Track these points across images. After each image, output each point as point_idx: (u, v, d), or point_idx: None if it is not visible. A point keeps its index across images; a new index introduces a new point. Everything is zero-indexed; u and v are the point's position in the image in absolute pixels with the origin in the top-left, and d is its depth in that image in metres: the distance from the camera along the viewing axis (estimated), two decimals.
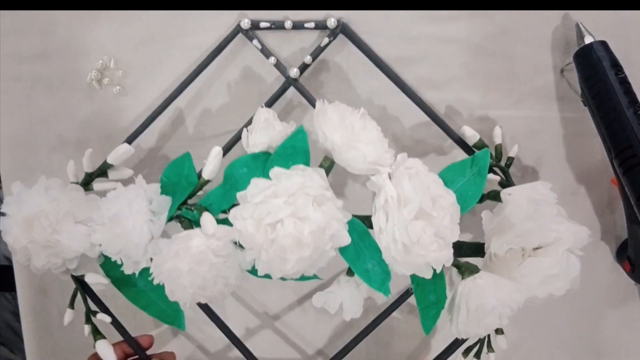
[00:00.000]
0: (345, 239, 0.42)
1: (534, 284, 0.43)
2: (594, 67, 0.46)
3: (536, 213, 0.43)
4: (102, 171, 0.49)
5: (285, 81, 0.50)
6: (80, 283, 0.50)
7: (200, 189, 0.46)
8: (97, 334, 0.50)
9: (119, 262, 0.45)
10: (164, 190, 0.46)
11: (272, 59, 0.50)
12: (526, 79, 0.51)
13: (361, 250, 0.44)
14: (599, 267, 0.55)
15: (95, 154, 0.53)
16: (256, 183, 0.41)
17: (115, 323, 0.50)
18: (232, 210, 0.42)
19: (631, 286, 0.56)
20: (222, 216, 0.45)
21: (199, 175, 0.46)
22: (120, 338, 0.50)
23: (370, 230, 0.44)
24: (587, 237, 0.44)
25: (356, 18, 0.50)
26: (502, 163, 0.50)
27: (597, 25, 0.47)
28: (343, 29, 0.49)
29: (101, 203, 0.45)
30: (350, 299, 0.48)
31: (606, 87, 0.45)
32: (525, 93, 0.52)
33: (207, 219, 0.44)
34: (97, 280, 0.49)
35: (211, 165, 0.45)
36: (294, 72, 0.50)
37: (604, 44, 0.47)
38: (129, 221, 0.43)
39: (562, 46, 0.50)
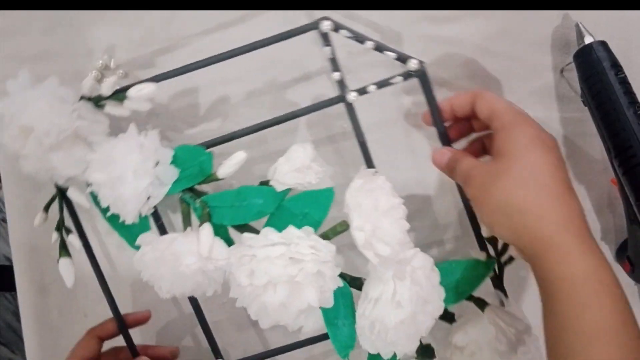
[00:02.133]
0: (329, 304, 0.43)
1: None
2: (594, 67, 0.46)
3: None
4: (119, 99, 0.45)
5: (338, 98, 0.46)
6: (62, 192, 0.47)
7: (208, 182, 0.45)
8: (63, 249, 0.48)
9: (103, 206, 0.44)
10: (173, 162, 0.45)
11: (337, 75, 0.45)
12: (526, 79, 0.51)
13: (338, 305, 0.44)
14: None
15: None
16: (266, 235, 0.42)
17: (87, 249, 0.49)
18: (233, 249, 0.43)
19: (631, 286, 0.56)
20: None
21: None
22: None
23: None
24: None
25: (356, 18, 0.50)
26: (502, 259, 0.48)
27: (597, 25, 0.47)
28: (421, 75, 0.45)
29: (109, 144, 0.43)
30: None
31: (606, 87, 0.45)
32: (525, 93, 0.52)
33: (206, 234, 0.43)
34: (79, 199, 0.46)
35: (230, 168, 0.44)
36: (351, 96, 0.45)
37: (604, 44, 0.47)
38: (129, 186, 0.42)
39: (562, 46, 0.50)
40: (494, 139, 0.41)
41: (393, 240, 0.42)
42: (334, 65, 0.45)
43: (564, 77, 0.51)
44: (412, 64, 0.44)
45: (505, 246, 0.48)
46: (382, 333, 0.42)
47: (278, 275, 0.40)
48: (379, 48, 0.44)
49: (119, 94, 0.45)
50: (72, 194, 0.46)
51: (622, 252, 0.53)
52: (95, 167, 0.43)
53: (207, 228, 0.43)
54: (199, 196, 0.45)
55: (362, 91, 0.46)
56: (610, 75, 0.45)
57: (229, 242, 0.45)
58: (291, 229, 0.43)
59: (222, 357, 0.50)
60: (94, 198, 0.45)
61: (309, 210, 0.45)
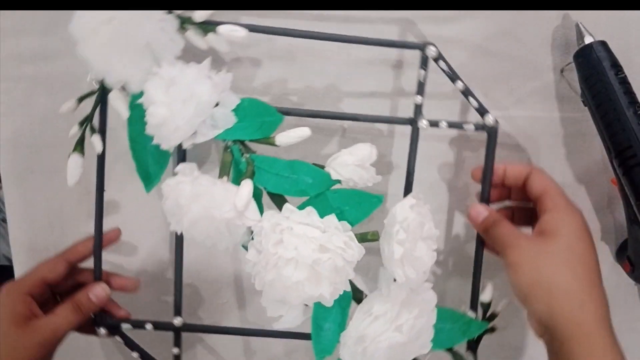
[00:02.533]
0: (330, 303, 0.43)
1: None
2: (594, 67, 0.46)
3: None
4: (206, 30, 0.44)
5: (409, 120, 0.48)
6: (104, 92, 0.45)
7: (263, 143, 0.45)
8: (79, 146, 0.46)
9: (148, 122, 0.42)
10: (234, 111, 0.44)
11: (419, 99, 0.47)
12: (526, 79, 0.51)
13: (333, 310, 0.44)
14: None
15: (95, 154, 0.53)
16: (309, 214, 0.42)
17: (100, 158, 0.47)
18: (267, 215, 0.42)
19: (631, 286, 0.56)
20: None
21: None
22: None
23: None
24: None
25: (356, 18, 0.50)
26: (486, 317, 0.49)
27: (597, 25, 0.47)
28: (492, 132, 0.47)
29: (177, 69, 0.42)
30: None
31: (606, 87, 0.45)
32: (525, 93, 0.52)
33: (246, 189, 0.42)
34: (119, 105, 0.44)
35: (290, 139, 0.44)
36: (423, 123, 0.47)
37: (604, 44, 0.47)
38: (185, 114, 0.41)
39: (562, 46, 0.50)
40: (543, 216, 0.44)
41: (422, 268, 0.43)
42: (420, 88, 0.47)
43: (564, 77, 0.51)
44: (489, 120, 0.46)
45: (493, 315, 0.49)
46: (369, 350, 0.42)
47: (306, 256, 0.40)
48: (465, 93, 0.47)
49: (210, 25, 0.44)
50: (114, 98, 0.44)
51: (622, 252, 0.53)
52: (157, 84, 0.42)
53: (249, 184, 0.42)
54: (247, 152, 0.45)
55: (433, 123, 0.47)
56: (610, 75, 0.45)
57: (260, 208, 0.44)
58: (332, 218, 0.43)
59: (180, 315, 0.49)
60: (134, 111, 0.44)
61: (348, 208, 0.45)
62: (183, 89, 0.41)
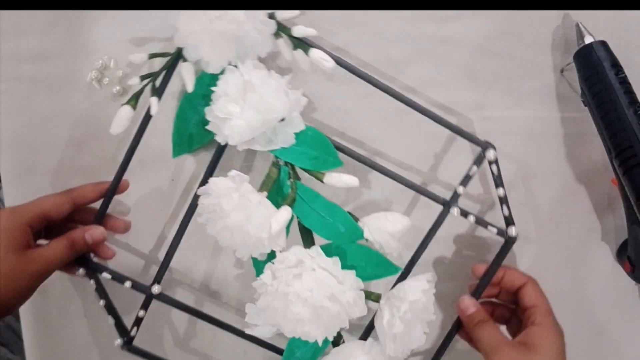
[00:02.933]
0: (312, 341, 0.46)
1: None
2: (594, 67, 0.46)
3: None
4: (298, 46, 0.46)
5: (444, 203, 0.50)
6: (178, 58, 0.46)
7: (311, 175, 0.47)
8: (134, 100, 0.47)
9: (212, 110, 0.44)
10: (297, 135, 0.46)
11: (461, 189, 0.50)
12: (526, 79, 0.51)
13: (309, 343, 0.47)
14: (599, 267, 0.55)
15: (95, 154, 0.53)
16: (335, 263, 0.45)
17: (145, 118, 0.47)
18: (298, 251, 0.45)
19: (631, 286, 0.56)
20: None
21: None
22: None
23: None
24: None
25: (356, 18, 0.50)
26: None
27: (597, 25, 0.47)
28: (511, 242, 0.50)
29: (259, 74, 0.44)
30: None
31: (606, 87, 0.45)
32: (525, 93, 0.52)
33: (284, 216, 0.44)
34: (188, 77, 0.46)
35: (338, 183, 0.46)
36: (454, 211, 0.49)
37: (604, 44, 0.47)
38: (251, 118, 0.42)
39: (562, 46, 0.51)
40: (530, 328, 0.46)
41: (411, 346, 0.47)
42: (465, 180, 0.50)
43: (564, 77, 0.51)
44: (512, 232, 0.49)
45: None
46: None
47: (317, 300, 0.43)
48: (503, 200, 0.49)
49: (304, 45, 0.46)
50: (186, 69, 0.45)
51: (622, 252, 0.53)
52: (236, 81, 0.43)
53: (288, 212, 0.45)
54: (294, 177, 0.47)
55: (464, 213, 0.49)
56: (610, 75, 0.45)
57: (287, 232, 0.46)
58: (351, 274, 0.46)
59: (158, 283, 0.50)
60: (191, 93, 0.45)
61: (364, 266, 0.47)
62: (261, 99, 0.43)
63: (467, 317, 0.48)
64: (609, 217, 0.54)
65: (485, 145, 0.49)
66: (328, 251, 0.47)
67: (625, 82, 0.45)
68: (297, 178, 0.47)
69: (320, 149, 0.46)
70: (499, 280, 0.50)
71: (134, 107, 0.47)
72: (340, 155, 0.47)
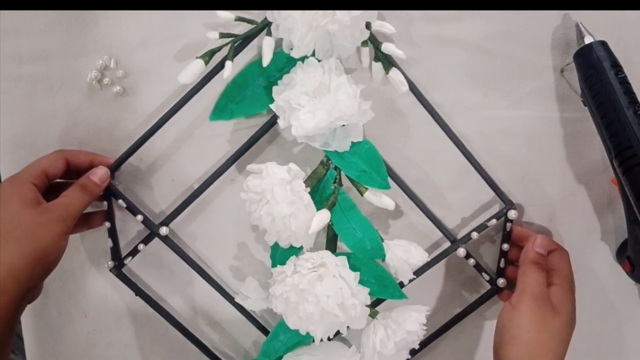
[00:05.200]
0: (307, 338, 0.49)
1: None
2: (594, 67, 0.46)
3: None
4: (382, 60, 0.48)
5: (453, 241, 0.53)
6: (261, 29, 0.47)
7: (354, 185, 0.49)
8: (210, 55, 0.48)
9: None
10: (352, 151, 0.48)
11: (476, 235, 0.52)
12: (526, 79, 0.51)
13: (294, 333, 0.49)
14: (599, 267, 0.55)
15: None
16: (356, 277, 0.47)
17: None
18: (325, 255, 0.47)
19: (631, 286, 0.56)
20: None
21: None
22: None
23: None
24: None
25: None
26: None
27: (597, 25, 0.47)
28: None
29: (339, 73, 0.46)
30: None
31: (606, 87, 0.45)
32: (525, 93, 0.52)
33: (322, 220, 0.46)
34: (267, 51, 0.46)
35: (376, 202, 0.48)
36: (461, 252, 0.52)
37: (604, 44, 0.46)
38: (317, 115, 0.44)
39: (562, 46, 0.50)
40: (551, 287, 0.48)
41: None
42: (480, 228, 0.52)
43: (564, 77, 0.51)
44: (500, 282, 0.53)
45: None
46: None
47: (329, 306, 0.45)
48: (502, 254, 0.53)
49: (387, 62, 0.48)
50: (266, 42, 0.46)
51: (622, 252, 0.53)
52: (313, 76, 0.45)
53: (327, 216, 0.47)
54: (339, 182, 0.49)
55: (467, 256, 0.52)
56: (610, 75, 0.45)
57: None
58: (364, 291, 0.48)
59: (168, 226, 0.52)
60: (258, 66, 0.47)
61: (374, 283, 0.49)
62: (336, 103, 0.44)
63: (533, 252, 0.49)
64: (609, 217, 0.54)
65: (509, 204, 0.52)
66: (347, 261, 0.49)
67: (625, 82, 0.45)
68: (341, 184, 0.49)
69: (371, 165, 0.48)
70: (543, 246, 0.51)
71: (207, 62, 0.48)
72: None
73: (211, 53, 0.48)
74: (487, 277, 0.53)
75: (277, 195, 0.44)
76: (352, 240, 0.49)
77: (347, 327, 0.48)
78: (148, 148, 0.52)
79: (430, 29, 0.50)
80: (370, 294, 0.48)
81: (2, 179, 0.54)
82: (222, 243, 0.55)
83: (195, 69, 0.47)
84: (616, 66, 0.46)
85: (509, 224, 0.52)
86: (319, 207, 0.48)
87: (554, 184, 0.53)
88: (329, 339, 0.50)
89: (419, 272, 0.52)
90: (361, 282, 0.48)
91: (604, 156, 0.51)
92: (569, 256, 0.50)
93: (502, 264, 0.53)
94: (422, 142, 0.53)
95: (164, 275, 0.56)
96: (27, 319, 0.58)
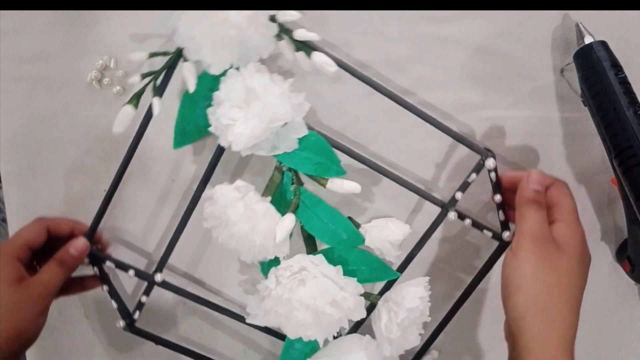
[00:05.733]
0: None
1: None
2: (594, 67, 0.46)
3: None
4: (301, 49, 0.46)
5: (442, 206, 0.50)
6: (179, 57, 0.46)
7: (313, 179, 0.47)
8: (136, 99, 0.46)
9: (212, 121, 0.44)
10: (301, 141, 0.46)
11: (459, 195, 0.50)
12: (526, 79, 0.51)
13: None
14: (599, 267, 0.55)
15: (95, 154, 0.53)
16: (338, 271, 0.46)
17: (146, 118, 0.47)
18: (302, 258, 0.46)
19: (631, 286, 0.56)
20: None
21: None
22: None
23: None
24: None
25: (357, 18, 0.50)
26: None
27: (597, 25, 0.47)
28: (503, 245, 0.51)
29: (261, 77, 0.44)
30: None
31: (606, 87, 0.45)
32: (525, 93, 0.52)
33: (287, 225, 0.45)
34: (190, 77, 0.45)
35: (341, 190, 0.47)
36: (451, 215, 0.49)
37: (604, 44, 0.47)
38: (254, 124, 0.42)
39: (562, 46, 0.50)
40: (555, 224, 0.44)
41: (406, 346, 0.48)
42: (464, 186, 0.49)
43: (564, 77, 0.51)
44: (506, 235, 0.50)
45: None
46: None
47: (319, 307, 0.44)
48: (499, 207, 0.50)
49: (307, 48, 0.45)
50: (186, 68, 0.45)
51: (622, 252, 0.53)
52: (238, 87, 0.44)
53: (292, 220, 0.46)
54: (297, 182, 0.47)
55: (461, 216, 0.50)
56: (610, 75, 0.45)
57: (291, 236, 0.47)
58: (353, 281, 0.47)
59: (161, 271, 0.51)
60: (203, 85, 0.45)
61: (363, 269, 0.49)
62: (264, 107, 0.43)
63: (528, 190, 0.45)
64: (609, 217, 0.54)
65: (485, 154, 0.49)
66: (330, 255, 0.48)
67: (625, 82, 0.45)
68: (300, 183, 0.48)
69: (323, 155, 0.47)
70: (538, 180, 0.47)
71: (136, 107, 0.47)
72: (342, 158, 0.47)
73: (137, 96, 0.47)
74: (490, 234, 0.51)
75: (231, 216, 0.44)
76: (326, 234, 0.48)
77: (350, 320, 0.47)
78: (147, 148, 0.52)
79: (430, 29, 0.50)
80: (363, 281, 0.48)
81: (2, 179, 0.54)
82: (224, 262, 0.55)
83: (126, 116, 0.46)
84: (616, 66, 0.46)
85: (492, 174, 0.48)
86: (285, 213, 0.47)
87: None
88: (339, 336, 0.50)
89: (418, 247, 0.50)
90: (351, 271, 0.47)
91: (604, 156, 0.51)
92: (569, 188, 0.46)
93: (501, 217, 0.50)
94: (386, 119, 0.52)
95: (177, 312, 0.57)
96: None
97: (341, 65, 0.46)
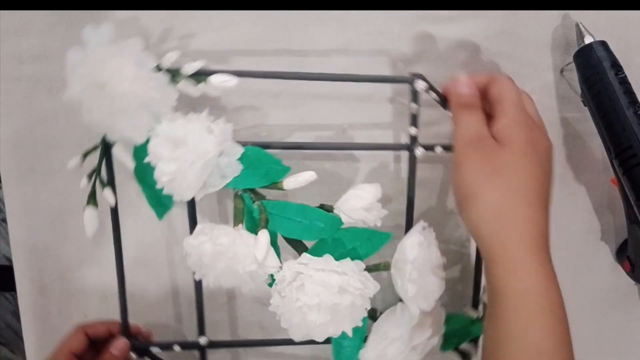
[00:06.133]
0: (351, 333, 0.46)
1: None
2: (594, 67, 0.46)
3: None
4: (198, 80, 0.46)
5: (405, 146, 0.49)
6: (107, 146, 0.47)
7: (271, 189, 0.47)
8: (92, 198, 0.48)
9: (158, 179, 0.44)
10: (240, 160, 0.46)
11: (414, 130, 0.48)
12: (526, 79, 0.51)
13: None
14: (599, 267, 0.55)
15: (95, 154, 0.53)
16: (327, 260, 0.45)
17: (114, 212, 0.49)
18: (291, 265, 0.45)
19: (631, 286, 0.56)
20: None
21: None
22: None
23: None
24: None
25: (357, 18, 0.50)
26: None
27: (597, 25, 0.47)
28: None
29: (179, 124, 0.43)
30: None
31: (606, 87, 0.45)
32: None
33: (264, 240, 0.45)
34: (124, 157, 0.46)
35: (298, 184, 0.46)
36: (419, 151, 0.48)
37: (604, 44, 0.47)
38: (193, 169, 0.43)
39: (562, 46, 0.50)
40: (496, 121, 0.41)
41: (433, 297, 0.46)
42: (413, 120, 0.47)
43: (564, 77, 0.51)
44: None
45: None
46: None
47: (327, 301, 0.43)
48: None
49: (200, 77, 0.45)
50: (118, 151, 0.46)
51: (622, 252, 0.53)
52: (161, 142, 0.43)
53: (265, 235, 0.45)
54: (257, 198, 0.47)
55: (428, 148, 0.48)
56: (610, 75, 0.45)
57: (276, 250, 0.47)
58: (348, 262, 0.46)
59: (204, 334, 0.52)
60: (138, 163, 0.45)
61: (359, 245, 0.47)
62: (189, 150, 0.43)
63: (456, 96, 0.43)
64: (609, 217, 0.54)
65: (410, 79, 0.46)
66: (323, 247, 0.47)
67: (625, 82, 0.45)
68: (262, 197, 0.48)
69: (264, 162, 0.47)
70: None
71: (96, 205, 0.48)
72: (292, 155, 0.48)
73: (92, 196, 0.48)
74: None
75: (206, 260, 0.44)
76: (304, 232, 0.47)
77: (366, 302, 0.46)
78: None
79: (430, 29, 0.50)
80: (366, 255, 0.47)
81: (2, 179, 0.54)
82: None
83: (91, 217, 0.48)
84: (616, 66, 0.46)
85: (432, 94, 0.46)
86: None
87: (554, 184, 0.53)
88: (377, 314, 0.49)
89: (409, 201, 0.49)
90: (352, 251, 0.47)
91: (604, 156, 0.51)
92: (512, 81, 0.43)
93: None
94: (304, 103, 0.51)
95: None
96: (27, 319, 0.58)
97: (241, 74, 0.46)
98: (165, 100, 0.44)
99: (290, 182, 0.46)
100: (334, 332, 0.45)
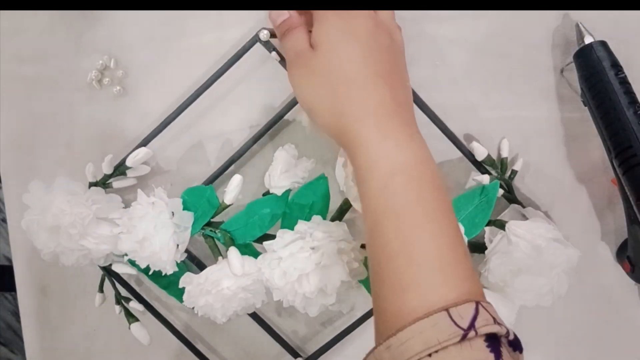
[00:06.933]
0: (362, 275, 0.46)
1: (527, 298, 0.48)
2: (594, 67, 0.46)
3: (538, 255, 0.46)
4: (121, 172, 0.51)
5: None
6: (107, 270, 0.52)
7: (221, 212, 0.49)
8: (130, 316, 0.53)
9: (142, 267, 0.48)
10: (185, 207, 0.49)
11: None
12: (526, 79, 0.51)
13: None
14: (599, 267, 0.55)
15: (95, 154, 0.53)
16: (282, 236, 0.46)
17: (150, 308, 0.53)
18: (260, 259, 0.47)
19: (631, 286, 0.56)
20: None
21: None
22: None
23: None
24: (577, 258, 0.47)
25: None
26: (507, 176, 0.51)
27: (597, 25, 0.47)
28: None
29: (126, 215, 0.47)
30: None
31: (606, 87, 0.45)
32: (525, 93, 0.52)
33: (234, 256, 0.46)
34: (124, 269, 0.51)
35: (233, 193, 0.48)
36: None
37: (604, 44, 0.47)
38: (155, 240, 0.46)
39: (562, 46, 0.50)
40: (312, 31, 0.41)
41: None
42: (284, 64, 0.46)
43: (564, 77, 0.51)
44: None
45: (505, 161, 0.51)
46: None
47: (306, 266, 0.44)
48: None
49: (120, 167, 0.50)
50: (116, 267, 0.52)
51: (622, 252, 0.53)
52: (123, 239, 0.47)
53: (233, 250, 0.47)
54: (217, 227, 0.49)
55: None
56: (610, 75, 0.45)
57: (257, 255, 0.48)
58: (301, 224, 0.46)
59: (300, 356, 0.54)
60: (133, 263, 0.49)
61: (314, 199, 0.48)
62: (140, 227, 0.46)
63: (276, 28, 0.44)
64: (609, 217, 0.54)
65: (255, 37, 0.47)
66: (287, 221, 0.49)
67: (625, 82, 0.45)
68: (220, 222, 0.49)
69: (199, 195, 0.49)
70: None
71: (137, 319, 0.54)
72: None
73: (128, 314, 0.54)
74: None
75: (198, 302, 0.46)
76: (260, 226, 0.49)
77: (348, 246, 0.47)
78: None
79: (430, 29, 0.50)
80: (321, 209, 0.48)
81: (2, 179, 0.55)
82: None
83: (140, 331, 0.53)
84: (616, 66, 0.46)
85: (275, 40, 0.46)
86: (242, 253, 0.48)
87: (554, 184, 0.53)
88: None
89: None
90: (312, 208, 0.48)
91: (604, 156, 0.51)
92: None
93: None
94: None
95: None
96: (27, 318, 0.58)
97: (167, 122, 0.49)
98: (111, 205, 0.49)
99: (229, 196, 0.48)
100: (336, 285, 0.45)
